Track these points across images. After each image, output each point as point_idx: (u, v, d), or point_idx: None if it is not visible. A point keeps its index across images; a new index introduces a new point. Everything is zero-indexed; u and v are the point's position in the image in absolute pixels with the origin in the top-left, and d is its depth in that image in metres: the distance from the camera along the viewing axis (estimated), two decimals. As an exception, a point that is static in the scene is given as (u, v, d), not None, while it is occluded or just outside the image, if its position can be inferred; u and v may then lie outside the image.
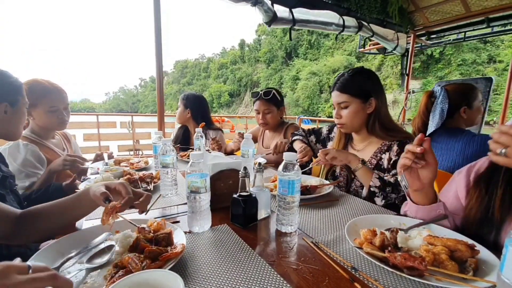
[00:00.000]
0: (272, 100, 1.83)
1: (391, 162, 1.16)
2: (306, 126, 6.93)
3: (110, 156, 1.70)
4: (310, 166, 1.29)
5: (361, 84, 1.21)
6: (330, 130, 1.58)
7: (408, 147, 0.77)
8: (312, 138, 1.61)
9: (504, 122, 3.44)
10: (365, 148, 1.30)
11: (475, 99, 1.48)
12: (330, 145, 1.53)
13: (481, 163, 0.86)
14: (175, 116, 2.30)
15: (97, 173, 1.42)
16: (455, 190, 0.90)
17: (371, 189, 1.11)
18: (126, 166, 1.55)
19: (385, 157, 1.20)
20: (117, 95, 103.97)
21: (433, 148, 1.55)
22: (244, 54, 60.66)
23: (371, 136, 1.27)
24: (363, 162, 1.15)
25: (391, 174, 1.13)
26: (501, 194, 0.73)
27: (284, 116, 1.97)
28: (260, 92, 1.83)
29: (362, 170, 1.14)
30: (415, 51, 3.85)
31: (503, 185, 0.74)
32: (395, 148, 1.16)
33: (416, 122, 1.61)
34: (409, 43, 3.75)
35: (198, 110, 2.20)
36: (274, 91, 1.83)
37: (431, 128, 1.51)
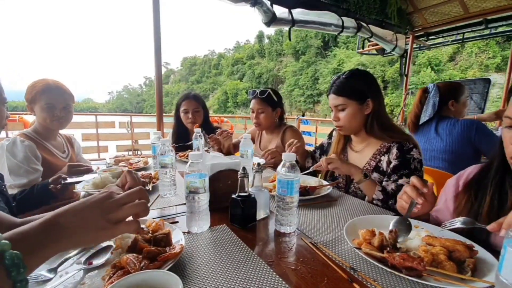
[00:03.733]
0: (266, 99, 1.81)
1: (391, 166, 1.15)
2: (305, 127, 6.92)
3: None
4: (311, 169, 1.28)
5: (356, 86, 1.21)
6: (329, 136, 1.58)
7: (408, 191, 0.77)
8: (317, 153, 1.62)
9: (505, 103, 3.45)
10: (364, 149, 1.30)
11: (462, 94, 1.80)
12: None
13: (469, 171, 0.87)
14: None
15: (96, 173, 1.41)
16: (445, 199, 0.91)
17: (374, 202, 1.11)
18: (125, 166, 1.54)
19: (384, 159, 1.20)
20: (120, 94, 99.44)
21: (426, 135, 1.80)
22: (263, 48, 53.37)
23: (370, 137, 1.27)
24: (366, 175, 1.13)
25: (391, 180, 1.12)
26: (489, 200, 0.73)
27: (285, 117, 1.96)
28: (257, 91, 1.83)
29: (365, 183, 1.14)
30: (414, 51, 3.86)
31: (492, 190, 0.73)
32: (394, 151, 1.16)
33: (410, 115, 1.91)
34: (408, 44, 3.76)
35: (206, 110, 2.19)
36: (270, 90, 1.81)
37: (424, 118, 1.82)
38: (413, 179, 0.77)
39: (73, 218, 0.44)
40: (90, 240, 0.46)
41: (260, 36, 55.01)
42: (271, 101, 1.82)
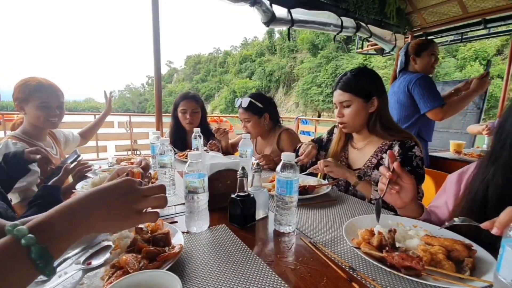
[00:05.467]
0: (249, 108, 1.77)
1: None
2: (304, 127, 6.92)
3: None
4: (308, 171, 1.29)
5: (363, 84, 1.22)
6: (330, 133, 1.57)
7: (381, 169, 0.82)
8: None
9: (504, 101, 3.43)
10: (365, 147, 1.30)
11: (424, 50, 1.97)
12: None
13: (471, 169, 0.85)
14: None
15: (95, 173, 1.41)
16: (445, 196, 0.90)
17: (372, 201, 1.12)
18: (125, 166, 1.54)
19: (386, 156, 1.20)
20: (123, 94, 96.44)
21: (394, 88, 2.00)
22: (274, 44, 49.75)
23: (372, 135, 1.27)
24: (360, 178, 1.16)
25: None
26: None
27: (281, 118, 1.96)
28: (241, 100, 1.79)
29: (361, 185, 1.16)
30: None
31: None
32: (396, 148, 1.17)
33: (394, 70, 2.19)
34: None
35: (205, 111, 2.17)
36: (251, 99, 1.76)
37: (398, 71, 2.10)
38: (381, 169, 0.83)
39: (99, 205, 0.45)
40: (113, 228, 0.48)
41: (270, 32, 50.72)
42: (255, 109, 1.78)
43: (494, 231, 0.55)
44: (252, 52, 55.81)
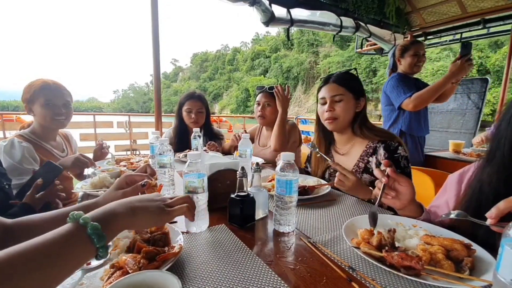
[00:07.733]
0: (274, 94, 1.84)
1: (381, 167, 1.16)
2: (303, 127, 6.91)
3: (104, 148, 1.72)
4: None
5: (355, 82, 1.27)
6: (308, 160, 1.58)
7: (376, 173, 0.83)
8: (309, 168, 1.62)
9: (504, 103, 3.43)
10: (350, 151, 1.30)
11: (407, 51, 2.11)
12: None
13: (473, 169, 0.85)
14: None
15: (94, 173, 1.41)
16: (446, 198, 0.90)
17: (372, 201, 1.11)
18: (124, 166, 1.54)
19: (373, 160, 1.21)
20: (126, 93, 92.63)
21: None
22: (290, 38, 47.77)
23: (355, 137, 1.28)
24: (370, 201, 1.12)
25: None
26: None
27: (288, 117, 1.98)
28: (266, 87, 1.89)
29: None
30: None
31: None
32: (381, 152, 1.18)
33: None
34: (406, 43, 3.76)
35: (209, 111, 2.18)
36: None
37: (388, 73, 2.31)
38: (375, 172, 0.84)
39: (142, 202, 0.57)
40: (152, 219, 0.58)
41: (286, 25, 47.75)
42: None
43: (489, 213, 0.57)
44: (265, 47, 51.76)
